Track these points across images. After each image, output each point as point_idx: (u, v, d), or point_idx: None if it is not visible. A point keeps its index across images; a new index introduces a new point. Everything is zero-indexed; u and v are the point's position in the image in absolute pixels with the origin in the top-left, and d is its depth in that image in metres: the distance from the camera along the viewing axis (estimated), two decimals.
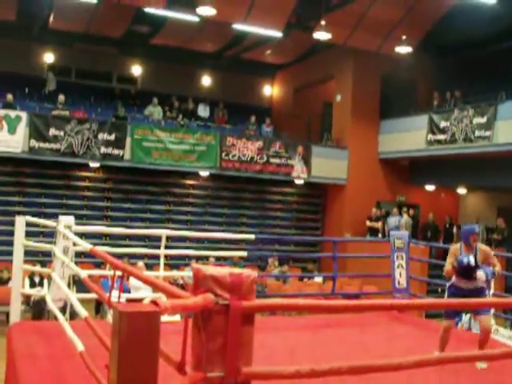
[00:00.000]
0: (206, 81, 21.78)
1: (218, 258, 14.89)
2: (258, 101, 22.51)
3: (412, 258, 9.93)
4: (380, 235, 17.42)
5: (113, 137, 16.09)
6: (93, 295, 7.16)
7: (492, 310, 9.16)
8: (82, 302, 5.77)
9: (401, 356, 3.38)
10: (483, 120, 15.54)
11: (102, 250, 5.98)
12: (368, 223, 17.98)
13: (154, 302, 2.06)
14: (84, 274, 5.63)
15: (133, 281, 10.00)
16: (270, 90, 23.24)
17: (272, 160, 17.74)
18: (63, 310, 6.85)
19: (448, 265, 6.53)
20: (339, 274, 11.63)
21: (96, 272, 11.12)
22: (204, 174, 18.02)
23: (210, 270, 2.43)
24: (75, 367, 5.03)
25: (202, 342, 2.40)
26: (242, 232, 16.79)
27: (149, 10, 16.08)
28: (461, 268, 6.38)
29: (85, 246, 5.55)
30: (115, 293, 4.36)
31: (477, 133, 15.66)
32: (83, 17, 17.38)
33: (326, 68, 19.94)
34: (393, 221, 17.20)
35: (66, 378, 5.22)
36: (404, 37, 16.63)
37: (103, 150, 15.98)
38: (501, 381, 5.11)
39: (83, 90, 19.47)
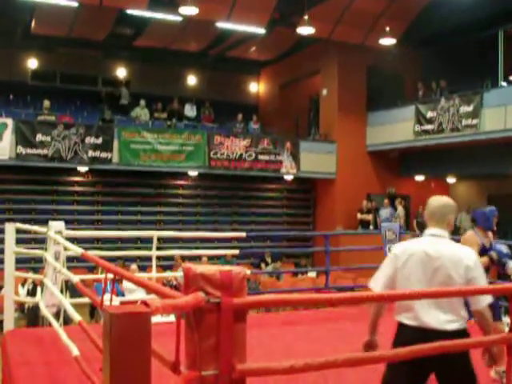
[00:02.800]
0: (192, 80, 21.74)
1: (210, 257, 14.87)
2: (244, 98, 22.49)
3: None
4: (371, 227, 17.46)
5: (100, 140, 16.03)
6: (86, 299, 7.15)
7: None
8: (77, 306, 5.76)
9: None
10: (470, 109, 15.60)
11: (93, 253, 5.96)
12: (359, 216, 18.03)
13: (145, 303, 2.05)
14: (76, 278, 5.62)
15: (127, 283, 9.98)
16: (256, 87, 23.22)
17: (260, 157, 17.73)
18: (57, 315, 6.83)
19: (481, 257, 5.28)
20: (332, 267, 11.65)
21: (89, 277, 11.08)
22: (193, 173, 18.00)
23: (200, 268, 2.42)
24: (71, 372, 5.02)
25: (195, 340, 2.39)
26: (233, 230, 16.81)
27: (131, 11, 16.03)
28: (499, 258, 5.47)
29: (76, 250, 5.53)
30: (108, 296, 4.35)
31: (464, 121, 15.72)
32: (65, 21, 17.30)
33: (311, 63, 19.94)
34: (384, 213, 17.24)
35: (62, 383, 5.21)
36: (387, 28, 16.67)
37: (91, 153, 15.92)
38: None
39: (69, 95, 19.40)
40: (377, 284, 3.67)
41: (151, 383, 2.04)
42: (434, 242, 3.57)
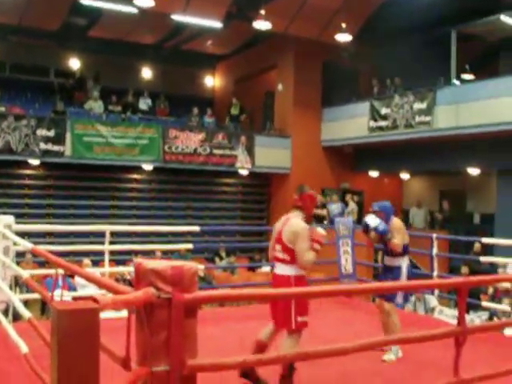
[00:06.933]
0: (147, 73, 21.53)
1: (165, 252, 14.76)
2: (199, 92, 22.40)
3: (357, 243, 10.04)
4: (326, 222, 17.58)
5: (52, 133, 15.73)
6: (37, 295, 7.02)
7: (436, 291, 9.41)
8: (29, 302, 5.65)
9: (348, 340, 3.40)
10: (423, 106, 15.82)
11: (45, 248, 5.85)
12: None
13: (94, 299, 2.02)
14: (25, 274, 5.51)
15: (79, 279, 9.85)
16: (212, 81, 23.15)
17: (215, 151, 17.68)
18: (6, 312, 6.68)
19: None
20: None
21: (39, 271, 10.88)
22: (147, 167, 17.83)
23: (151, 263, 2.39)
24: (20, 369, 4.93)
25: (146, 336, 2.36)
26: (188, 224, 16.72)
27: (85, 1, 15.76)
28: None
29: (25, 245, 5.43)
30: (59, 292, 4.28)
31: (417, 118, 15.95)
32: (16, 9, 16.88)
33: (267, 58, 19.95)
34: (335, 207, 17.35)
35: (10, 380, 5.10)
36: (344, 24, 16.76)
37: (43, 146, 15.62)
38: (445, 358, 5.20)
39: (19, 85, 19.00)
40: None
41: (100, 379, 2.00)
42: None
